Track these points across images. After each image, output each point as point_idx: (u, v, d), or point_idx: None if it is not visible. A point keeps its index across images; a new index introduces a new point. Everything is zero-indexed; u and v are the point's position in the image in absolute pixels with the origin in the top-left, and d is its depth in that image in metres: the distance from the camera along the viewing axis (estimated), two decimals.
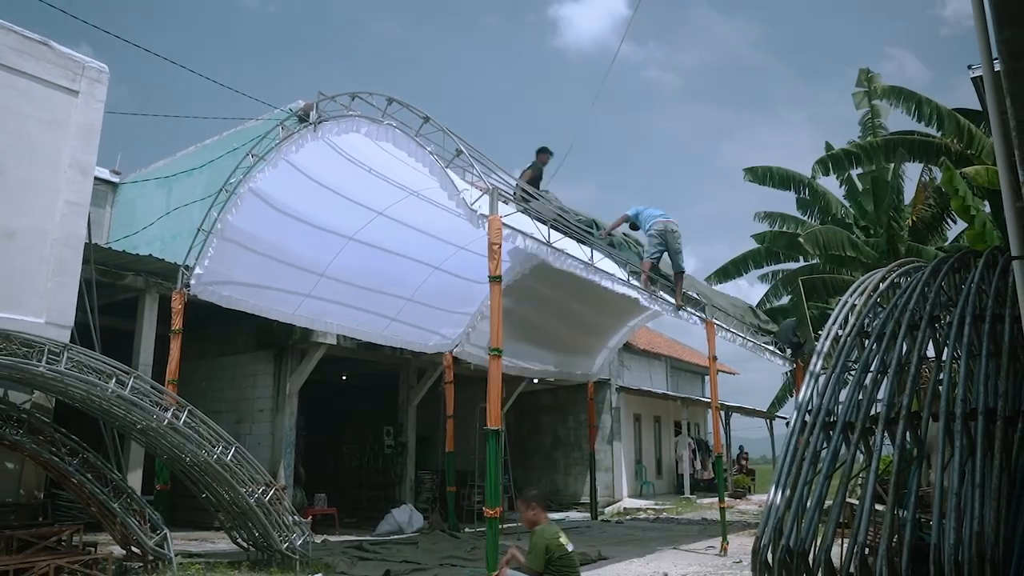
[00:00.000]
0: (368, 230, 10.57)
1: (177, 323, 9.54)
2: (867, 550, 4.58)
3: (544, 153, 11.39)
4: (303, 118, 9.02)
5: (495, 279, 7.17)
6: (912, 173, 17.50)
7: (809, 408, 5.58)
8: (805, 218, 17.80)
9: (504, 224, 7.39)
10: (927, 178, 16.39)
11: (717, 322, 11.68)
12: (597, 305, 13.27)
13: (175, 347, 9.44)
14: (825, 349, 6.14)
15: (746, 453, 27.07)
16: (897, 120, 15.30)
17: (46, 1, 8.04)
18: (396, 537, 12.25)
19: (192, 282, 9.61)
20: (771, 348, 14.25)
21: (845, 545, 4.84)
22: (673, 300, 10.78)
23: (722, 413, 23.26)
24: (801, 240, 15.66)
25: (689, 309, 11.21)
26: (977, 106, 11.64)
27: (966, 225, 11.19)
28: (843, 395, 5.53)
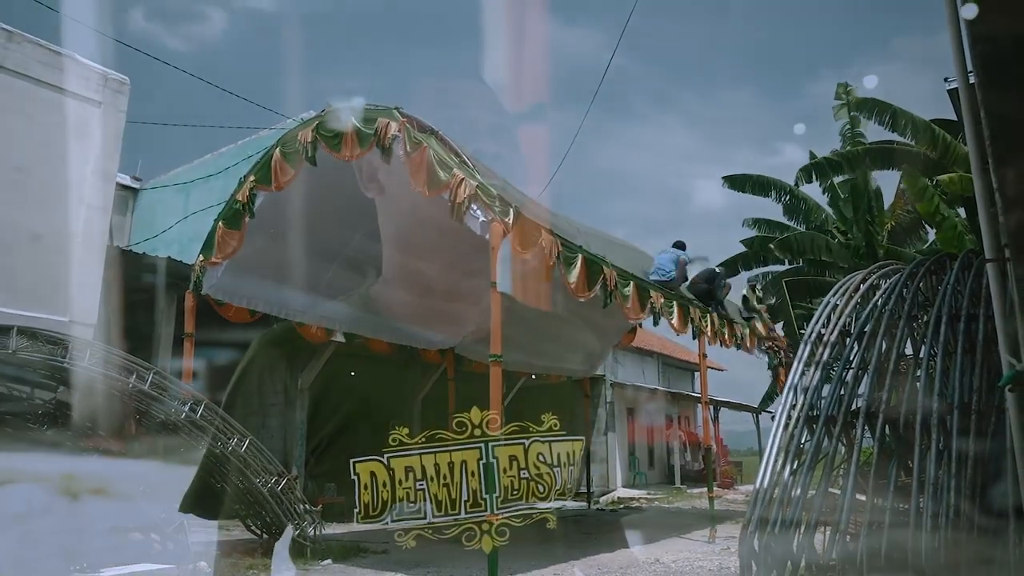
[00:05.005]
0: (375, 227, 10.53)
1: (189, 325, 9.37)
2: (848, 537, 4.59)
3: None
4: None
5: (495, 284, 7.01)
6: (893, 179, 17.45)
7: (794, 403, 5.59)
8: (792, 223, 17.76)
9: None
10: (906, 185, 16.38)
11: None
12: (593, 304, 13.23)
13: (188, 350, 9.24)
14: (809, 347, 6.15)
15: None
16: (877, 130, 15.14)
17: (70, 16, 8.06)
18: None
19: (204, 283, 9.55)
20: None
21: (827, 532, 4.85)
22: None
23: (711, 408, 23.25)
24: (772, 247, 15.63)
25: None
26: (948, 115, 11.63)
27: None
28: (826, 391, 5.53)
